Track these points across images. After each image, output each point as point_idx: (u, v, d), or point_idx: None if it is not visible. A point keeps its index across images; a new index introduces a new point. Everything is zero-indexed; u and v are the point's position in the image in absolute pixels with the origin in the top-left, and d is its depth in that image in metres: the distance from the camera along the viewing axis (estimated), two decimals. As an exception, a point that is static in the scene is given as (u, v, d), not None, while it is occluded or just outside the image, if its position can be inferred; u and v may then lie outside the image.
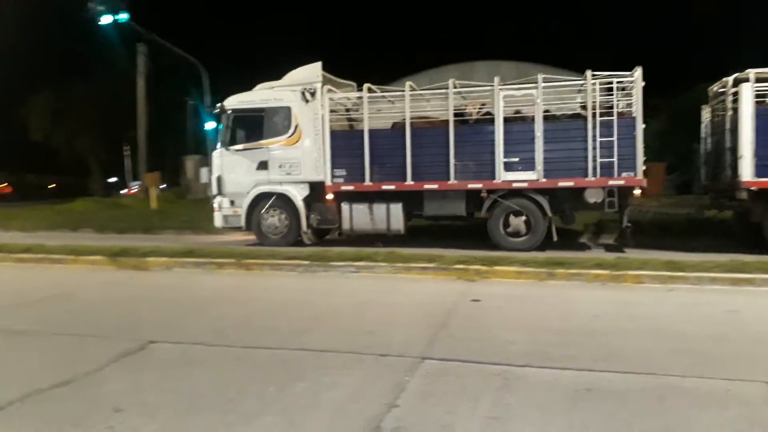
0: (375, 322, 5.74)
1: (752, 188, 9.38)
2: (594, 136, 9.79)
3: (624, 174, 9.76)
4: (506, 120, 10.30)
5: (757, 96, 9.33)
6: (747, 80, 9.32)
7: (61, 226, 16.57)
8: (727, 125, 10.05)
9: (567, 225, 11.10)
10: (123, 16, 17.71)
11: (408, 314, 6.12)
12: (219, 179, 11.99)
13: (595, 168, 9.83)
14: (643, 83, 9.74)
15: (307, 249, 9.67)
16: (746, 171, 9.30)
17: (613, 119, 9.73)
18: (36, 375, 4.22)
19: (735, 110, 9.62)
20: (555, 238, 10.40)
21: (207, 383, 4.06)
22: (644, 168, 9.81)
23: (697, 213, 11.86)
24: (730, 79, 9.81)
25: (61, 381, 4.07)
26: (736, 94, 9.56)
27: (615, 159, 9.72)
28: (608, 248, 10.80)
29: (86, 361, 4.53)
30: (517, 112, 10.54)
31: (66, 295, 7.57)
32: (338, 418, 3.49)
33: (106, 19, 17.37)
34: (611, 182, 9.85)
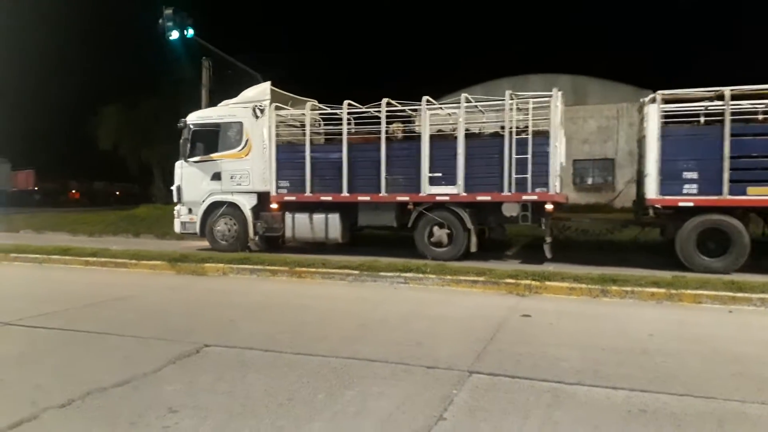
0: (423, 333, 5.75)
1: (656, 205, 9.77)
2: (510, 154, 10.37)
3: (537, 189, 10.31)
4: (432, 138, 11.01)
5: (665, 117, 9.67)
6: (654, 101, 9.73)
7: (124, 230, 17.41)
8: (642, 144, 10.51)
9: (497, 238, 11.84)
10: (189, 32, 18.55)
11: (456, 327, 6.10)
12: (179, 189, 13.02)
13: (510, 183, 10.41)
14: (561, 104, 10.36)
15: (358, 259, 9.78)
16: (651, 188, 9.71)
17: (527, 137, 10.27)
18: (99, 374, 4.43)
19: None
20: (473, 249, 10.98)
21: (259, 387, 4.17)
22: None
23: (615, 228, 12.24)
24: (647, 99, 10.06)
25: (121, 380, 4.27)
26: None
27: (529, 175, 10.27)
28: (525, 260, 11.02)
29: (145, 361, 4.74)
30: (440, 130, 11.26)
31: (128, 297, 7.92)
32: (386, 429, 3.52)
33: (174, 35, 18.27)
34: (525, 197, 10.40)
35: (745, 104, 9.52)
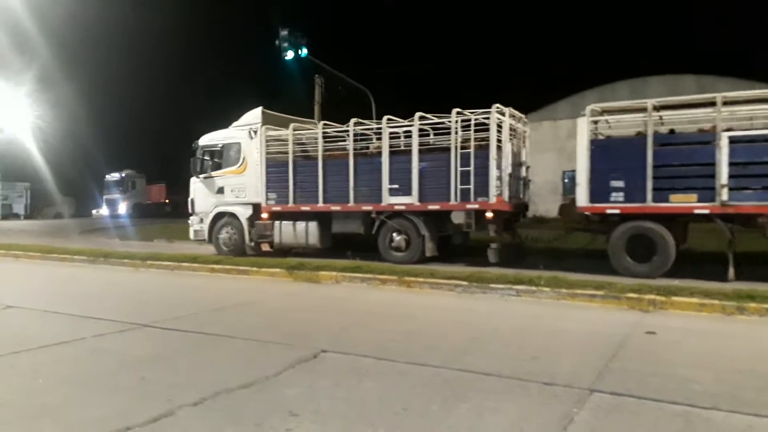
0: (538, 348, 5.57)
1: (586, 213, 10.34)
2: (456, 166, 11.36)
3: (479, 199, 11.24)
4: (391, 153, 12.16)
5: (594, 129, 10.34)
6: (584, 115, 10.28)
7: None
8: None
9: (457, 243, 12.88)
10: (303, 52, 19.49)
11: (574, 343, 5.85)
12: (192, 201, 15.00)
13: (456, 193, 11.37)
14: (501, 118, 11.26)
15: (466, 270, 9.69)
16: (582, 197, 10.22)
17: (470, 152, 11.25)
18: (226, 375, 4.71)
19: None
20: (428, 254, 11.90)
21: (374, 395, 4.24)
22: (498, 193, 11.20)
23: (559, 236, 12.68)
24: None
25: (246, 382, 4.51)
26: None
27: (471, 186, 11.23)
28: (471, 264, 11.46)
29: (267, 365, 4.98)
30: (396, 146, 12.40)
31: (250, 303, 8.39)
32: (502, 444, 3.44)
33: (289, 56, 19.29)
34: (468, 206, 11.37)
35: (667, 115, 10.15)
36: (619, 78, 23.50)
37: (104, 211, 44.10)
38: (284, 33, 19.31)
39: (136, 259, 12.90)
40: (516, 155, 12.15)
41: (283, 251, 13.96)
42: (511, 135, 11.73)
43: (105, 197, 44.98)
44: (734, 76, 21.78)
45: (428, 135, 12.07)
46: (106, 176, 45.07)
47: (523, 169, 12.78)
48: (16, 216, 44.14)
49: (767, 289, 7.54)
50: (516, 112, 12.22)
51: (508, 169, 11.42)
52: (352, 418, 3.81)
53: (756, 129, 9.41)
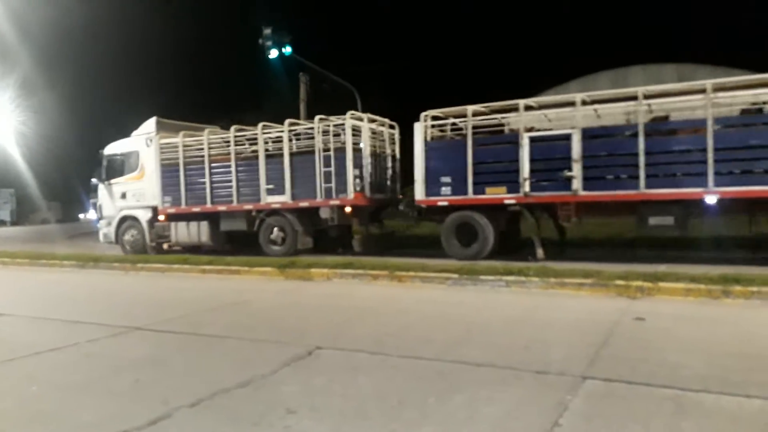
0: (530, 338, 5.64)
1: (422, 206, 12.04)
2: (320, 168, 12.85)
3: (340, 196, 12.75)
4: (267, 156, 13.57)
5: (427, 132, 11.91)
6: (419, 120, 11.92)
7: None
8: None
9: (333, 236, 13.92)
10: (287, 50, 19.42)
11: (565, 331, 5.92)
12: (99, 207, 16.33)
13: (321, 191, 12.89)
14: (359, 124, 12.91)
15: (457, 263, 9.75)
16: (418, 191, 11.94)
17: (330, 154, 12.76)
18: (222, 375, 4.72)
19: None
20: (300, 247, 13.32)
21: (370, 390, 4.28)
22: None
23: (410, 225, 14.49)
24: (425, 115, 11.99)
25: (242, 381, 4.52)
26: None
27: (333, 185, 12.75)
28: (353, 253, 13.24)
29: (263, 363, 4.99)
30: (268, 149, 13.74)
31: (243, 302, 8.40)
32: (498, 434, 3.49)
33: (273, 53, 19.22)
34: (331, 202, 12.86)
35: (481, 120, 11.69)
36: (601, 68, 23.55)
37: (91, 215, 43.70)
38: (268, 31, 19.23)
39: (126, 262, 12.84)
40: (378, 156, 13.73)
41: (194, 248, 15.01)
42: (373, 138, 13.45)
43: (92, 201, 44.61)
44: (714, 64, 21.97)
45: (300, 139, 13.51)
46: (93, 180, 44.66)
47: (390, 167, 14.23)
48: (2, 223, 43.70)
49: (751, 273, 7.68)
50: (378, 118, 13.82)
51: (368, 168, 13.04)
52: (348, 413, 3.84)
53: (551, 130, 11.01)
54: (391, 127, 14.09)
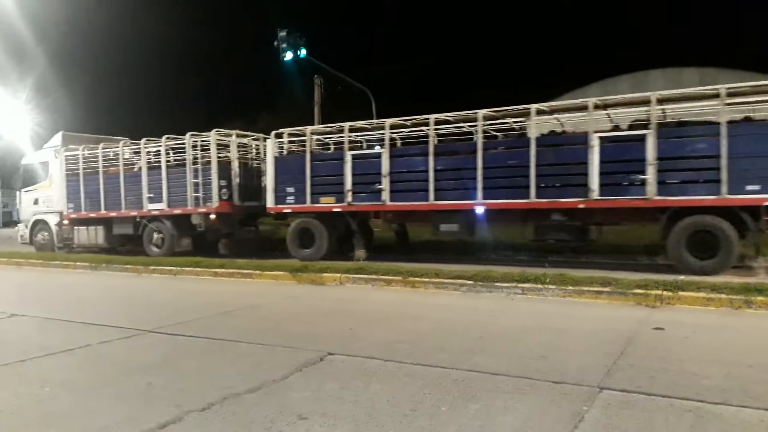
0: (547, 346, 5.54)
1: (272, 212, 13.73)
2: (190, 179, 14.28)
3: (206, 204, 14.15)
4: (149, 168, 15.15)
5: (278, 148, 13.66)
6: (269, 137, 13.73)
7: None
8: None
9: (210, 240, 14.94)
10: (302, 52, 19.50)
11: (582, 340, 5.82)
12: (18, 211, 18.37)
13: (191, 200, 14.28)
14: (227, 139, 14.35)
15: (473, 269, 9.66)
16: (269, 200, 13.55)
17: (198, 167, 14.25)
18: (233, 380, 4.69)
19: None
20: (178, 249, 14.73)
21: (383, 397, 4.21)
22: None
23: (273, 231, 16.68)
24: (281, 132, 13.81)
25: (253, 387, 4.49)
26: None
27: (200, 194, 14.18)
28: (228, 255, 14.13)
29: (274, 368, 4.95)
30: (150, 162, 15.28)
31: (255, 306, 8.37)
32: (513, 444, 3.41)
33: (288, 56, 19.30)
34: (199, 210, 14.27)
35: (318, 138, 13.83)
36: (621, 71, 23.37)
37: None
38: (283, 34, 19.32)
39: (138, 264, 12.89)
40: (250, 167, 15.10)
41: (109, 249, 16.50)
42: (244, 150, 15.04)
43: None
44: (736, 68, 21.69)
45: (178, 152, 14.83)
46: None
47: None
48: (17, 223, 44.11)
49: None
50: (249, 133, 15.51)
51: (236, 179, 14.37)
52: (361, 420, 3.78)
53: (368, 150, 13.19)
54: (266, 140, 14.78)
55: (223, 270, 11.51)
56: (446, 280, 9.13)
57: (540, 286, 8.29)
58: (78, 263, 13.88)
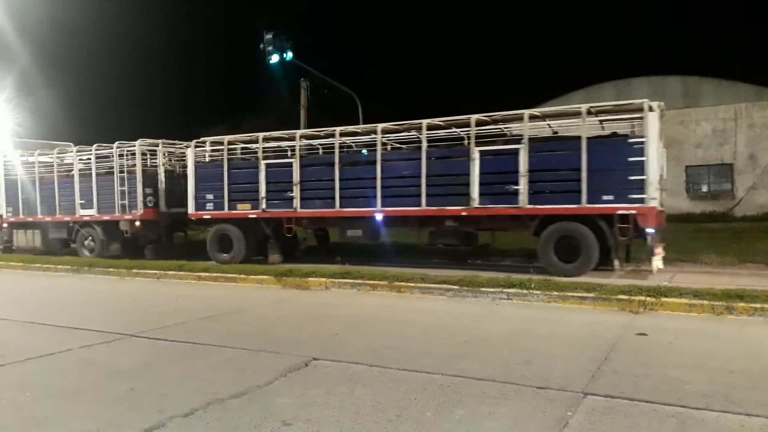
0: (531, 352, 5.57)
1: (193, 218, 14.34)
2: (117, 186, 15.00)
3: (132, 211, 14.82)
4: (81, 175, 15.66)
5: (196, 156, 14.25)
6: (189, 147, 14.38)
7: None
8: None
9: (141, 244, 15.28)
10: (289, 55, 19.45)
11: (566, 346, 5.85)
12: None
13: (119, 207, 15.01)
14: (153, 149, 15.17)
15: (458, 274, 9.69)
16: (190, 206, 14.21)
17: (124, 176, 14.96)
18: (217, 385, 4.65)
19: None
20: (108, 254, 15.19)
21: (368, 403, 4.20)
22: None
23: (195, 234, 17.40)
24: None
25: (237, 392, 4.45)
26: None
27: (127, 201, 14.91)
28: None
29: (258, 374, 4.92)
30: (82, 169, 15.88)
31: (239, 311, 8.31)
32: (498, 450, 3.42)
33: (274, 59, 19.24)
34: (126, 216, 14.91)
35: (238, 147, 14.35)
36: (605, 79, 23.58)
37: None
38: (269, 36, 19.26)
39: (121, 268, 12.74)
40: (179, 175, 15.50)
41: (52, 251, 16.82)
42: (178, 159, 15.68)
43: None
44: (718, 77, 22.03)
45: (109, 160, 15.43)
46: None
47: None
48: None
49: (755, 290, 7.62)
50: (175, 141, 15.65)
51: (163, 186, 14.99)
52: (346, 426, 3.77)
53: (282, 159, 13.62)
54: (187, 147, 15.33)
55: (207, 274, 11.42)
56: (432, 285, 9.14)
57: (525, 291, 8.33)
58: (59, 266, 13.70)
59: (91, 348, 6.03)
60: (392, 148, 13.23)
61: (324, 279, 10.07)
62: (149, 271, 12.21)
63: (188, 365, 5.39)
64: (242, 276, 10.97)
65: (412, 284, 9.30)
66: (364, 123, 16.00)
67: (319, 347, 5.80)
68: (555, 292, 8.11)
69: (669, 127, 11.37)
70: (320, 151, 13.94)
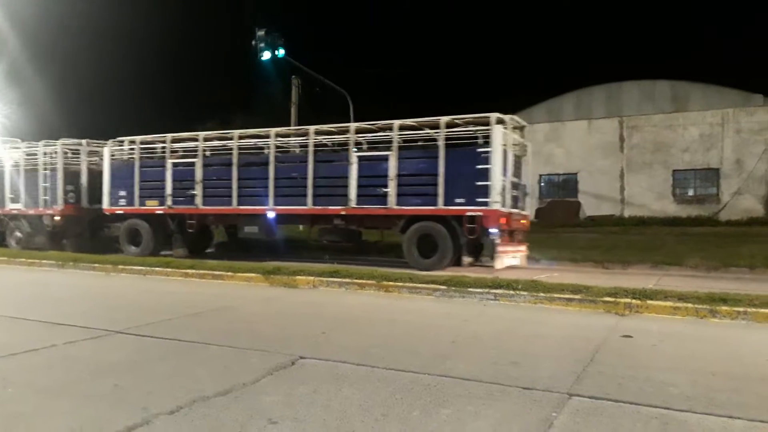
0: (518, 352, 5.59)
1: (107, 213, 15.54)
2: (41, 182, 16.23)
3: (53, 206, 16.09)
4: (12, 171, 16.93)
5: (111, 154, 15.51)
6: (107, 145, 15.69)
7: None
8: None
9: (67, 239, 16.39)
10: (281, 52, 19.40)
11: (552, 347, 5.88)
12: None
13: (42, 202, 16.14)
14: (78, 148, 16.34)
15: (445, 274, 9.72)
16: (105, 202, 15.34)
17: (47, 173, 16.15)
18: (202, 383, 4.61)
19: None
20: (34, 246, 16.03)
21: (354, 402, 4.20)
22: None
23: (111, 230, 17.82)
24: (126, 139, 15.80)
25: (223, 390, 4.42)
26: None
27: (48, 197, 16.16)
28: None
29: (244, 372, 4.90)
30: (13, 165, 17.26)
31: (226, 308, 8.27)
32: (483, 450, 3.43)
33: (266, 56, 19.17)
34: (48, 212, 16.17)
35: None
36: (595, 83, 23.71)
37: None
38: (261, 33, 19.18)
39: (107, 263, 12.64)
40: (98, 173, 16.04)
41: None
42: (96, 159, 16.35)
43: None
44: (706, 82, 22.26)
45: (35, 157, 16.52)
46: None
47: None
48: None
49: (738, 293, 7.72)
50: (100, 141, 16.45)
51: (84, 183, 16.13)
52: (332, 425, 3.76)
53: (186, 159, 14.65)
54: (121, 146, 16.23)
55: (193, 271, 11.35)
56: (420, 285, 9.16)
57: (512, 292, 8.38)
58: (44, 261, 13.56)
59: (76, 344, 5.97)
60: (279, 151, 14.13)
61: (312, 278, 10.05)
62: (135, 267, 12.12)
63: (174, 362, 5.36)
64: (230, 273, 10.92)
65: (400, 284, 9.31)
66: (356, 119, 16.26)
67: (306, 346, 5.79)
68: (542, 294, 8.16)
69: (657, 131, 11.56)
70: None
